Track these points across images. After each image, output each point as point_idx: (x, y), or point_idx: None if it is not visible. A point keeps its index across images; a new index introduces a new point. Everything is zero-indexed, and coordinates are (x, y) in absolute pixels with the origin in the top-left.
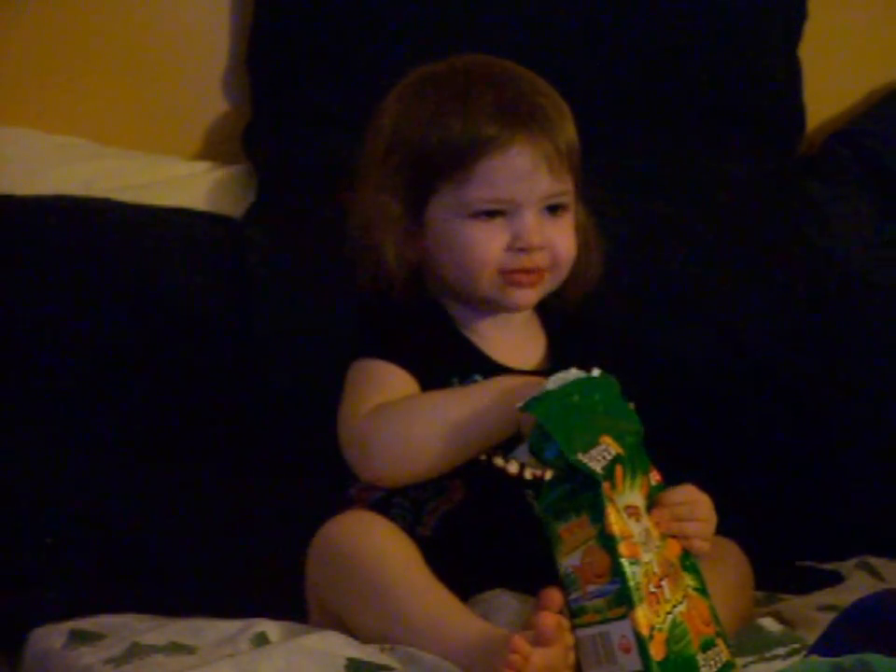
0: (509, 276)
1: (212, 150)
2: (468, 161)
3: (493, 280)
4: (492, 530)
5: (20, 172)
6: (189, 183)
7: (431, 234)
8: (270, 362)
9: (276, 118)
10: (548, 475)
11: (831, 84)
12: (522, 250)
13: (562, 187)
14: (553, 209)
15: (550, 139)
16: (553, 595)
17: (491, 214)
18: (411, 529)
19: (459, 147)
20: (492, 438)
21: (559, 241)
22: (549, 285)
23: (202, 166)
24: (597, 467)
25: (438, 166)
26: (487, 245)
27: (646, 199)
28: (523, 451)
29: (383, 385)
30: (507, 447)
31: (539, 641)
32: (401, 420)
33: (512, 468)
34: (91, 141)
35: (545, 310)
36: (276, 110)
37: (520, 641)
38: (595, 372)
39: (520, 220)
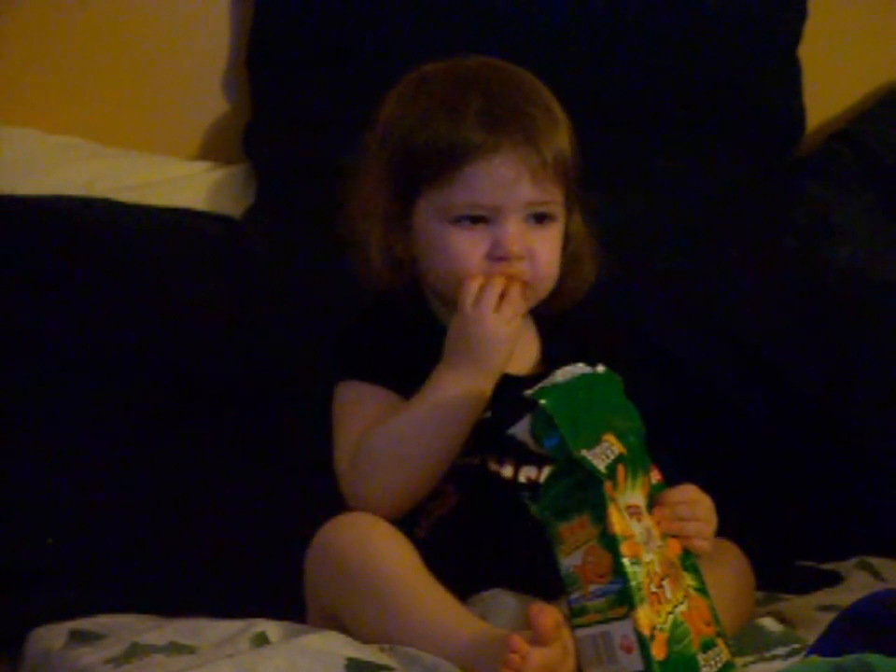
0: None
1: (212, 150)
2: (451, 165)
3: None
4: (487, 533)
5: (20, 172)
6: (189, 183)
7: (417, 236)
8: (270, 363)
9: (276, 118)
10: (542, 477)
11: (831, 84)
12: (501, 258)
13: (546, 196)
14: (540, 218)
15: (535, 149)
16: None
17: (473, 220)
18: (408, 531)
19: (444, 151)
20: (460, 433)
21: (540, 251)
22: (532, 297)
23: (202, 166)
24: (600, 465)
25: (423, 168)
26: (468, 253)
27: (644, 199)
28: (523, 428)
29: (366, 413)
30: (500, 451)
31: (538, 641)
32: (373, 462)
33: (507, 471)
34: (90, 141)
35: (538, 314)
36: (276, 110)
37: (518, 641)
38: (600, 369)
39: (501, 228)
